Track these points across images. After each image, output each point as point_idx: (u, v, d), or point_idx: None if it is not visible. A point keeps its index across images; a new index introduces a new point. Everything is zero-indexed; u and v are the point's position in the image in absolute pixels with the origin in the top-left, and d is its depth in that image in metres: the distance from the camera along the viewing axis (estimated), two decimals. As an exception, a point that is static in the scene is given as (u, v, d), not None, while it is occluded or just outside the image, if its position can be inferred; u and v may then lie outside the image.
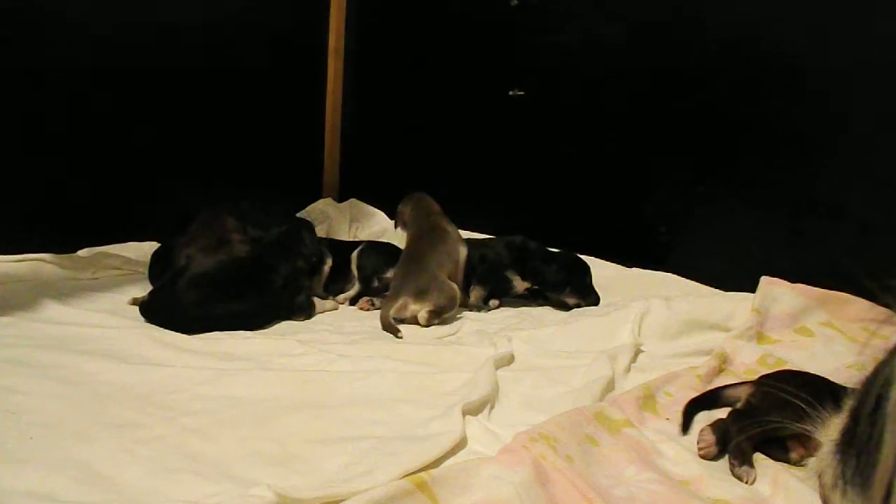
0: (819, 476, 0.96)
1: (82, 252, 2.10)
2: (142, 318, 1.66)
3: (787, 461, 1.10)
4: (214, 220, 1.93)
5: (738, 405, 1.22)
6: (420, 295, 1.76)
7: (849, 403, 0.92)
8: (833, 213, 1.76)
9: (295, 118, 2.77)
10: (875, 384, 0.71)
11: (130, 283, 1.97)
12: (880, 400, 0.69)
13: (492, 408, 1.24)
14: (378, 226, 2.59)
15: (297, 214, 2.68)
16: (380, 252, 2.07)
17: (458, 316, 1.85)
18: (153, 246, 1.98)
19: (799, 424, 1.04)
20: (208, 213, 1.97)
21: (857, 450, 0.75)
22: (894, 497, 0.65)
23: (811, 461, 1.06)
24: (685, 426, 1.21)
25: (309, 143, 2.84)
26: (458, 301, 1.81)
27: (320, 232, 2.29)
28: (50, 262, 1.98)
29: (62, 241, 2.06)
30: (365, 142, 2.86)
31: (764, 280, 1.68)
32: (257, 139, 2.62)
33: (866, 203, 1.71)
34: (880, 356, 0.79)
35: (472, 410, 1.19)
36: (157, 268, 1.93)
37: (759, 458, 1.11)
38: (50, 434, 1.08)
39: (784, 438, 1.11)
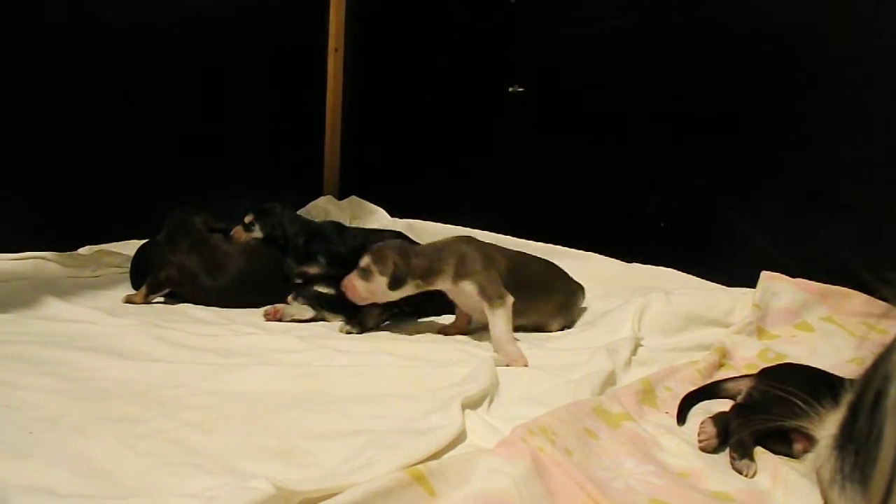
0: (817, 471, 0.95)
1: (83, 250, 2.11)
2: (140, 315, 1.68)
3: (790, 454, 1.10)
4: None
5: (739, 398, 1.23)
6: None
7: (847, 398, 0.92)
8: (834, 207, 1.75)
9: (295, 116, 2.77)
10: (874, 379, 0.71)
11: (130, 280, 1.97)
12: (880, 396, 0.69)
13: (491, 401, 1.24)
14: (378, 223, 2.59)
15: (298, 212, 2.69)
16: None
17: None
18: (153, 244, 1.99)
19: (798, 420, 1.04)
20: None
21: (855, 446, 0.75)
22: (895, 494, 0.65)
23: (811, 455, 1.06)
24: (681, 417, 1.21)
25: (309, 140, 2.84)
26: None
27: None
28: (51, 260, 1.99)
29: (63, 239, 2.07)
30: (365, 139, 2.86)
31: (764, 275, 1.68)
32: (258, 137, 2.63)
33: (868, 197, 1.71)
34: (879, 350, 0.78)
35: (472, 404, 1.19)
36: (140, 266, 1.94)
37: (759, 451, 1.10)
38: (50, 429, 1.08)
39: (787, 431, 1.10)
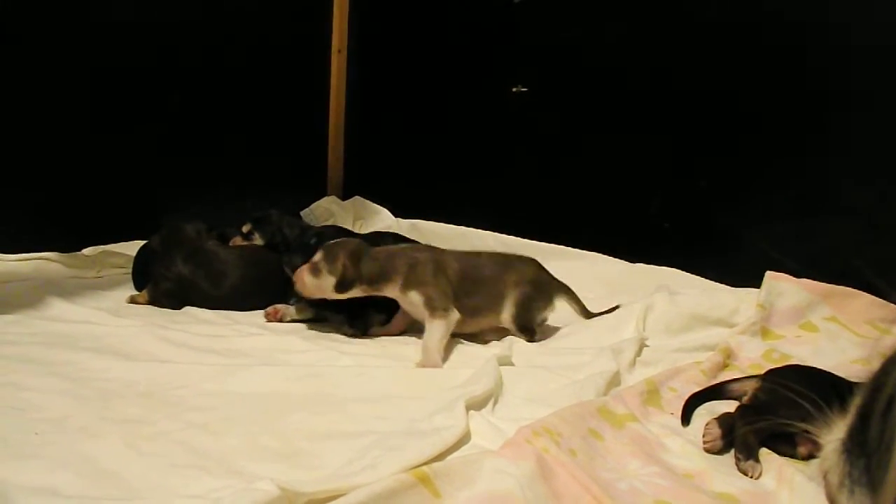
0: (824, 476, 0.95)
1: (87, 251, 2.11)
2: (145, 316, 1.67)
3: (794, 456, 1.09)
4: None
5: (745, 399, 1.22)
6: None
7: (855, 402, 0.91)
8: (838, 208, 1.75)
9: (299, 117, 2.77)
10: (885, 385, 0.71)
11: (134, 280, 1.97)
12: (892, 402, 0.68)
13: (495, 402, 1.24)
14: (382, 223, 2.59)
15: (302, 213, 2.69)
16: None
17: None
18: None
19: (804, 424, 1.03)
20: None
21: (866, 451, 0.74)
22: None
23: (816, 459, 1.06)
24: (686, 418, 1.21)
25: (313, 141, 2.84)
26: None
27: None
28: (55, 261, 1.99)
29: (67, 239, 2.07)
30: (368, 140, 2.86)
31: (769, 275, 1.67)
32: (261, 138, 2.62)
33: (871, 198, 1.70)
34: (888, 354, 0.78)
35: (476, 405, 1.19)
36: (142, 266, 1.93)
37: (764, 452, 1.10)
38: (55, 430, 1.08)
39: (792, 434, 1.10)
